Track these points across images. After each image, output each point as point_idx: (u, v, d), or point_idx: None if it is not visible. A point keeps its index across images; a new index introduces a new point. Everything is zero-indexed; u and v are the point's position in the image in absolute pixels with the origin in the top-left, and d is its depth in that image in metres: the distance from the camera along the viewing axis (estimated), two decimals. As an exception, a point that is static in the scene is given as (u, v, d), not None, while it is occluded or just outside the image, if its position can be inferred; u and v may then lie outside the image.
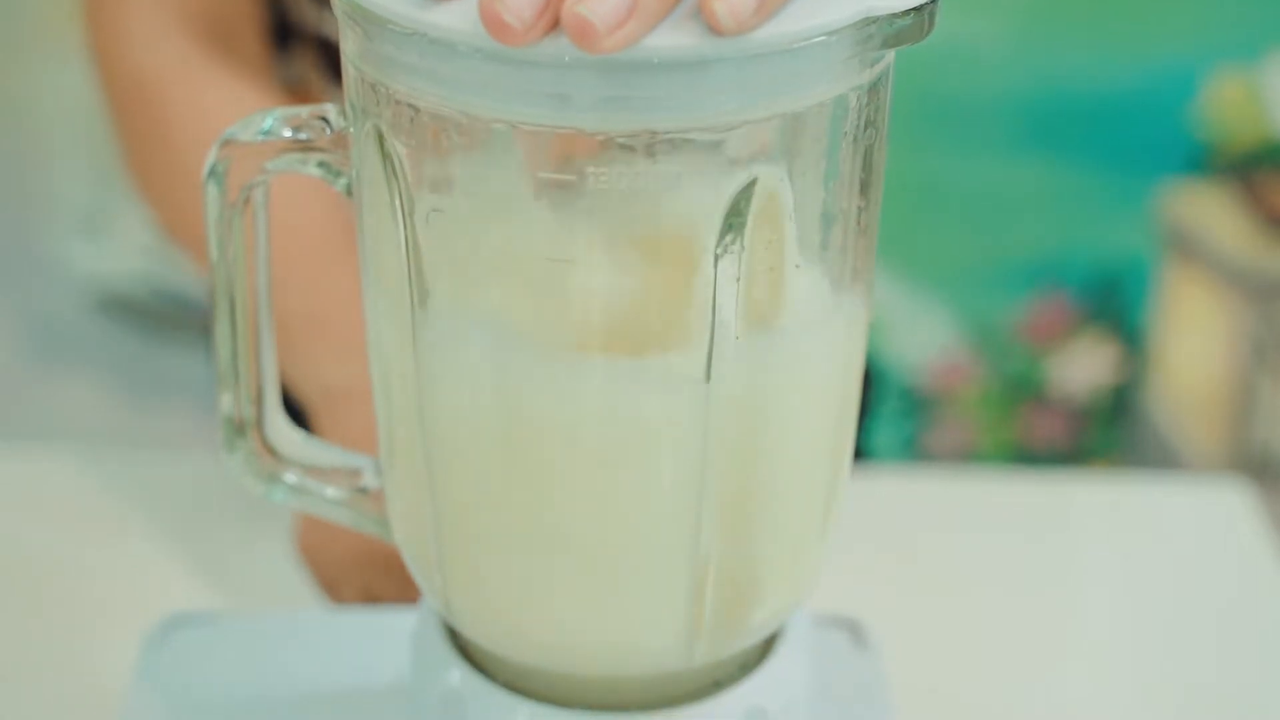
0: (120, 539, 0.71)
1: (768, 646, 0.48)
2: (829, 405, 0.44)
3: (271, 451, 0.49)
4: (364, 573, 0.61)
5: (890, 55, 0.41)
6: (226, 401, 0.48)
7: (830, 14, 0.39)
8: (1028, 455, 1.60)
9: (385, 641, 0.52)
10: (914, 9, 0.40)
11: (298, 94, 0.76)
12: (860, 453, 0.48)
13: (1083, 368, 1.57)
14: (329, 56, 0.75)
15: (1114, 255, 1.56)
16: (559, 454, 0.42)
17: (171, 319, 1.44)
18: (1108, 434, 1.60)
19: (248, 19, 0.72)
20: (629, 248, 0.40)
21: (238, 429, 0.48)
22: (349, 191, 0.45)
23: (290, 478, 0.49)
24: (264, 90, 0.70)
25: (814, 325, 0.43)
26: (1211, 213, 1.53)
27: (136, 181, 0.71)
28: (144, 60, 0.69)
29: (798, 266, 0.42)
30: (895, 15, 0.39)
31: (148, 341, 1.44)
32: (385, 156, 0.41)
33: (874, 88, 0.41)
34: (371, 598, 0.62)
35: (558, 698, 0.46)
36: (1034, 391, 1.58)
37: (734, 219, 0.40)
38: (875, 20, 0.39)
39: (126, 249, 1.47)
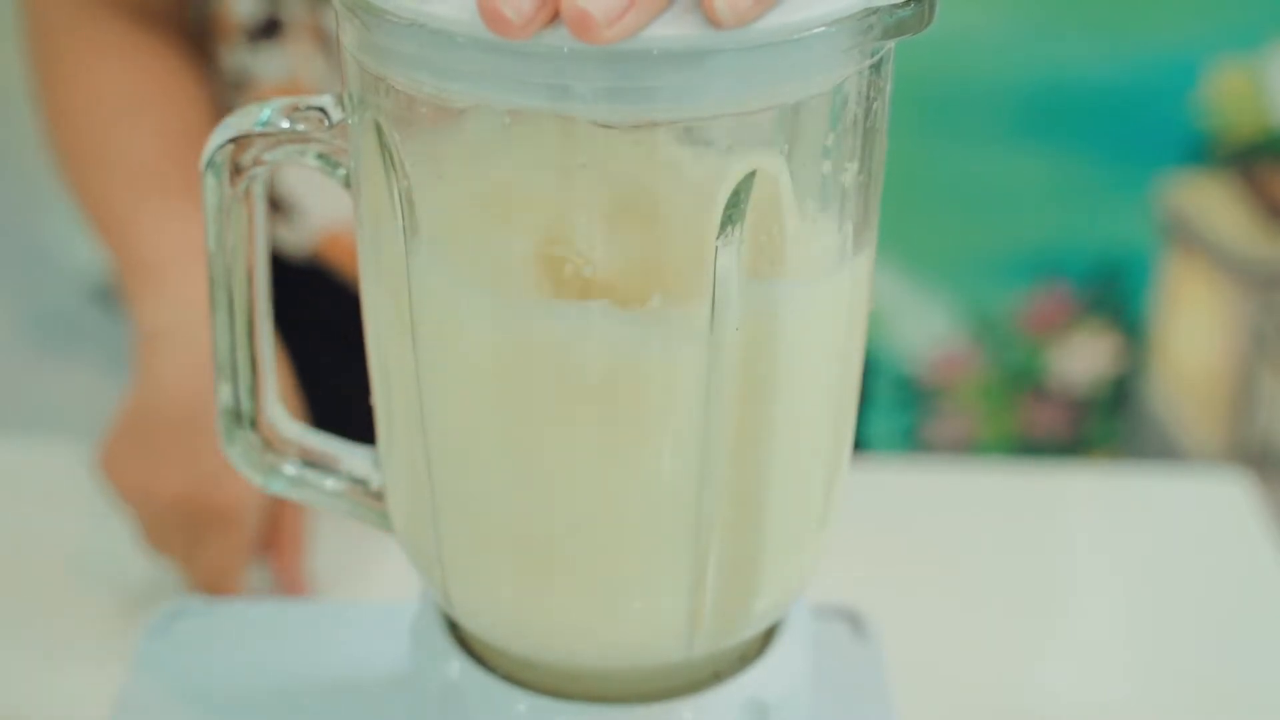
0: (120, 528, 0.71)
1: (767, 637, 0.48)
2: (828, 391, 0.44)
3: (270, 442, 0.49)
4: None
5: (890, 46, 0.41)
6: (225, 392, 0.48)
7: (830, 5, 0.38)
8: (1028, 446, 1.59)
9: (385, 632, 0.52)
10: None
11: (286, 87, 0.77)
12: (857, 443, 0.48)
13: (1083, 358, 1.57)
14: (326, 47, 0.75)
15: (1114, 246, 1.55)
16: (558, 437, 0.42)
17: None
18: (1108, 425, 1.60)
19: (169, 7, 0.77)
20: (628, 239, 0.40)
21: (236, 420, 0.48)
22: (347, 183, 0.45)
23: (289, 469, 0.49)
24: (145, 46, 0.75)
25: (814, 315, 0.43)
26: (1212, 203, 1.53)
27: (43, 124, 0.77)
28: (54, 16, 0.75)
29: (798, 255, 0.41)
30: (895, 6, 0.39)
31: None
32: (383, 148, 0.41)
33: (874, 78, 0.41)
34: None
35: (557, 689, 0.46)
36: (1034, 382, 1.58)
37: (733, 210, 0.40)
38: (875, 11, 0.39)
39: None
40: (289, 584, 0.70)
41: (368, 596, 0.70)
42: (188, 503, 0.66)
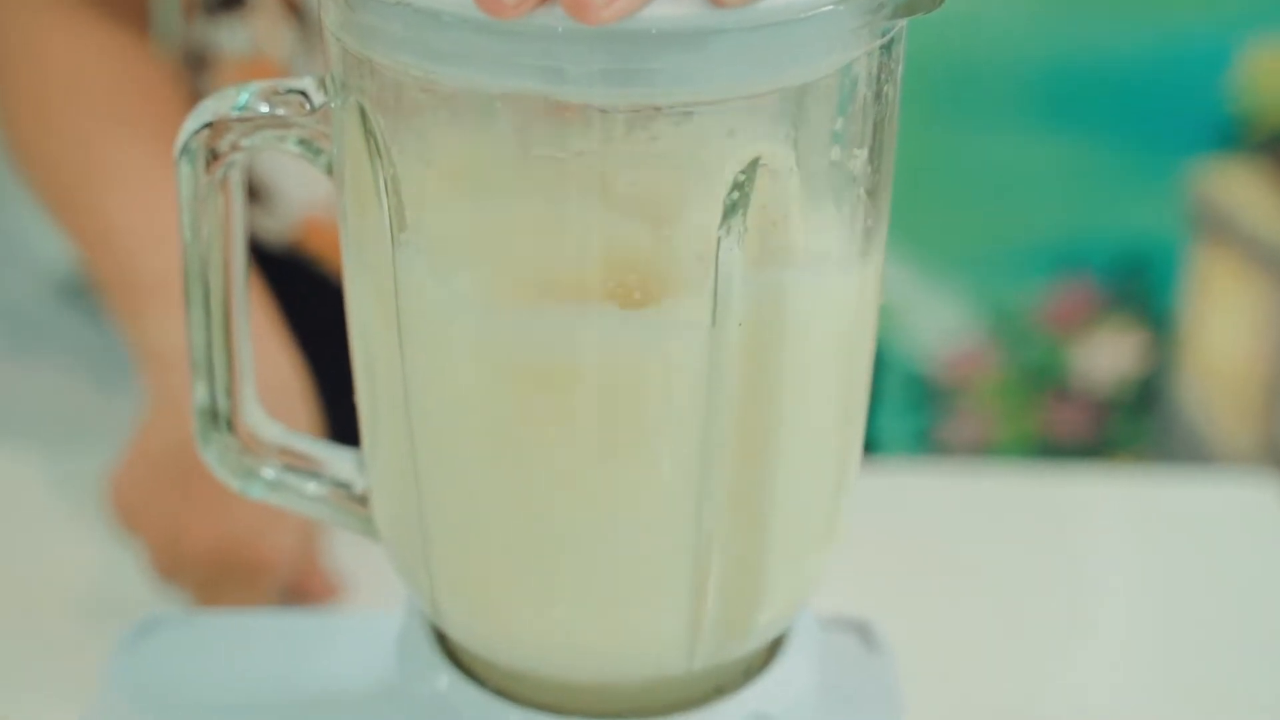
0: (87, 536, 0.70)
1: (773, 650, 0.47)
2: (836, 390, 0.44)
3: (248, 445, 0.48)
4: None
5: (902, 25, 0.40)
6: (201, 392, 0.47)
7: (838, -19, 0.38)
8: (1049, 448, 1.59)
9: (369, 644, 0.51)
10: (928, -25, 0.39)
11: (250, 61, 0.76)
12: (867, 445, 0.48)
13: (1107, 356, 1.56)
14: (293, 18, 0.74)
15: (1140, 237, 1.54)
16: (553, 439, 0.41)
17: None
18: (1134, 426, 1.59)
19: None
20: (626, 229, 0.39)
21: (212, 420, 0.47)
22: (330, 170, 0.44)
23: (268, 472, 0.48)
24: (101, 28, 0.72)
25: (821, 309, 0.42)
26: (1244, 192, 1.52)
27: None
28: None
29: (804, 246, 0.41)
30: (908, -18, 0.39)
31: (112, 328, 1.43)
32: (368, 133, 0.40)
33: (884, 60, 0.40)
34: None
35: (552, 704, 0.45)
36: (1055, 381, 1.57)
37: (737, 199, 0.39)
38: (886, -13, 0.39)
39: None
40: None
41: (350, 605, 0.69)
42: (222, 558, 0.64)
